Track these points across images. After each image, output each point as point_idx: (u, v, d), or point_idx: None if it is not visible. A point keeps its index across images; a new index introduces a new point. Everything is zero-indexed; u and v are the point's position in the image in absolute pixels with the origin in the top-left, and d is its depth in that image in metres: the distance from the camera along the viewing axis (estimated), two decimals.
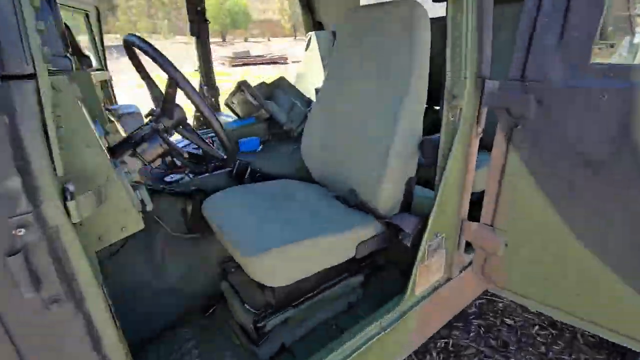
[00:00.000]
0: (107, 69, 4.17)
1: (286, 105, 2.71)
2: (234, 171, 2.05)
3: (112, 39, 33.33)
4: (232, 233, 1.42)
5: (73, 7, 3.48)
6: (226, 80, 14.60)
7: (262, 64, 20.53)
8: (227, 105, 3.02)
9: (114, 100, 4.18)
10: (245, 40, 35.56)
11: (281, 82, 2.94)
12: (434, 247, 1.53)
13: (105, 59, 4.15)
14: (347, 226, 1.47)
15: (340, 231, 1.43)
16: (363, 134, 1.63)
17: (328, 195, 1.81)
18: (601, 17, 1.01)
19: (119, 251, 1.57)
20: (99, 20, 4.04)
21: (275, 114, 2.53)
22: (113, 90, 4.29)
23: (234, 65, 19.94)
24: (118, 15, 33.83)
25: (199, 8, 3.39)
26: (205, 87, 3.86)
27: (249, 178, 2.13)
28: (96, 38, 3.94)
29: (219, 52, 26.71)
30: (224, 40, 34.59)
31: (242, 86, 2.50)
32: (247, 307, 1.51)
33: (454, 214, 1.57)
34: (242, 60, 20.64)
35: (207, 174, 2.08)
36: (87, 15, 3.79)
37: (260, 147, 2.47)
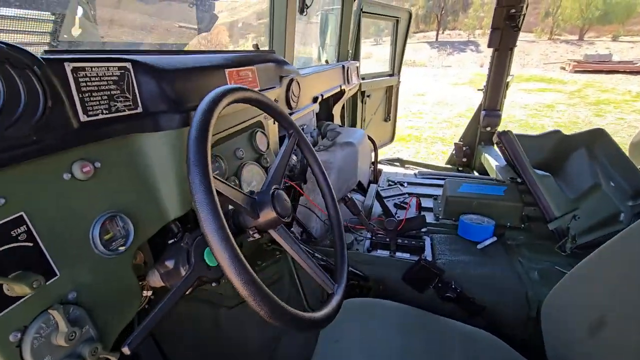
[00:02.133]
0: (398, 75, 4.13)
1: (580, 186, 1.52)
2: (413, 270, 1.34)
3: (454, 35, 35.36)
4: None
5: (384, 15, 3.54)
6: (552, 89, 11.89)
7: (625, 72, 14.99)
8: (497, 144, 2.15)
9: (391, 109, 4.15)
10: (614, 38, 27.10)
11: (595, 139, 1.69)
12: None
13: (400, 64, 4.11)
14: None
15: None
16: None
17: None
18: None
19: (235, 307, 1.37)
20: (408, 25, 3.97)
21: (540, 197, 1.45)
22: (396, 98, 4.25)
23: (576, 71, 15.84)
24: (469, 12, 35.00)
25: (512, 11, 2.50)
26: (483, 113, 3.00)
27: (436, 291, 1.34)
28: (398, 43, 3.91)
29: (562, 52, 22.14)
30: (580, 38, 28.03)
31: (500, 138, 1.58)
32: None
33: None
34: (592, 65, 15.95)
35: (387, 253, 1.50)
36: (396, 22, 3.79)
37: (492, 239, 1.52)
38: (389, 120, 4.26)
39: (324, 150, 1.77)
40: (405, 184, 2.14)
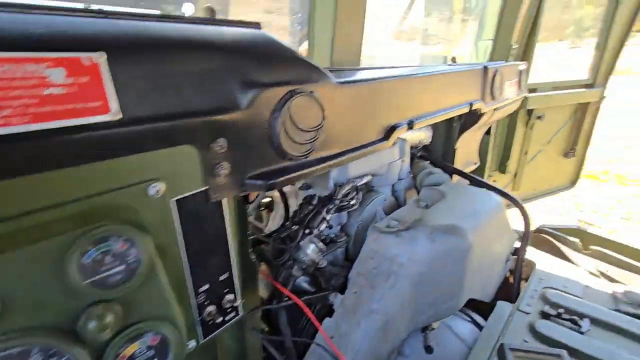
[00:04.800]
0: (603, 87, 2.58)
1: None
2: None
3: None
4: None
5: None
6: None
7: None
8: None
9: (578, 139, 2.64)
10: None
11: None
12: None
13: (611, 69, 2.55)
14: None
15: None
16: None
17: None
18: None
19: None
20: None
21: None
22: (593, 122, 2.69)
23: None
24: None
25: None
26: None
27: None
28: (613, 33, 2.40)
29: None
30: None
31: None
32: None
33: None
34: None
35: None
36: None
37: None
38: (573, 156, 2.74)
39: (392, 233, 0.87)
40: (585, 324, 0.97)
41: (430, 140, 1.44)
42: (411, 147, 1.43)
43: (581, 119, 2.63)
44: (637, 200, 4.87)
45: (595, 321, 1.01)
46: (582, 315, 1.02)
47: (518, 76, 1.64)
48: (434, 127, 1.45)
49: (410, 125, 0.91)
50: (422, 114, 0.98)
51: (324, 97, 0.64)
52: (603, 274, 1.45)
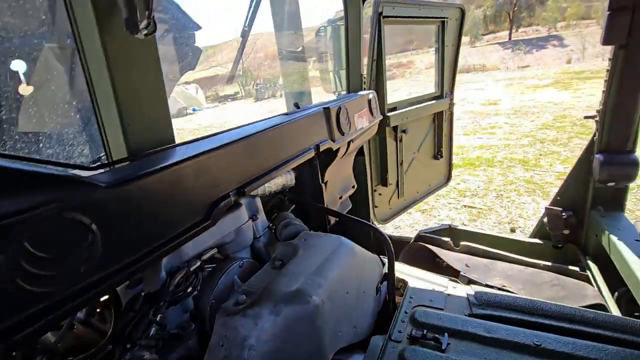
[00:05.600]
0: (450, 95, 2.99)
1: None
2: None
3: (530, 32, 31.37)
4: None
5: (420, 18, 2.49)
6: None
7: None
8: None
9: (442, 142, 3.00)
10: None
11: None
12: None
13: (453, 80, 2.97)
14: None
15: None
16: None
17: None
18: None
19: None
20: (460, 28, 2.86)
21: None
22: (450, 126, 3.10)
23: None
24: (547, 4, 30.92)
25: None
26: (599, 158, 1.71)
27: None
28: (447, 53, 2.80)
29: None
30: None
31: None
32: None
33: None
34: None
35: None
36: (442, 25, 2.70)
37: None
38: (441, 157, 3.10)
39: (238, 313, 0.81)
40: (445, 340, 1.04)
41: (293, 182, 1.44)
42: (277, 193, 1.41)
43: (440, 125, 3.00)
44: (502, 177, 5.78)
45: (453, 333, 1.09)
46: (442, 330, 1.10)
47: (368, 105, 1.77)
48: (296, 169, 1.46)
49: (242, 193, 0.87)
50: (257, 175, 0.95)
51: (88, 207, 0.55)
52: (463, 276, 1.64)
